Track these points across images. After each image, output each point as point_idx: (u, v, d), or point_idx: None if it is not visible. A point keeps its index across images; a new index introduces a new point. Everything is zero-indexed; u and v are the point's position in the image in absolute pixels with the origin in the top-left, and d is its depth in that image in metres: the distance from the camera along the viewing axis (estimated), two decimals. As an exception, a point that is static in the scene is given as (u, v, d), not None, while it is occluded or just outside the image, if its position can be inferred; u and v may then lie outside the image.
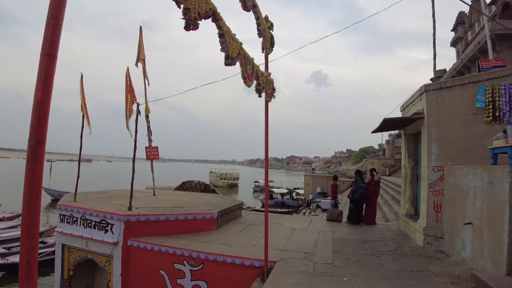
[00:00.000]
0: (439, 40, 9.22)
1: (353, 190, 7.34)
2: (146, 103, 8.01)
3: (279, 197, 38.53)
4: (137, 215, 6.40)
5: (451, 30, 34.31)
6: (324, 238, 6.71)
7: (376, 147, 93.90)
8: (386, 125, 6.28)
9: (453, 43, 33.12)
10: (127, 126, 7.38)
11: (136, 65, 7.46)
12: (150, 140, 8.26)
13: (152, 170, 8.51)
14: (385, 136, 69.54)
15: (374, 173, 7.83)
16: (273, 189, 41.13)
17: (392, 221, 9.10)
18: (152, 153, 8.17)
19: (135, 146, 7.17)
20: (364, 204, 7.47)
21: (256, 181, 58.85)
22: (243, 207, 33.17)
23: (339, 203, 11.80)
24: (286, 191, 41.90)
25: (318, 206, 29.17)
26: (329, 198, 12.10)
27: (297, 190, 42.47)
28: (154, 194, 8.77)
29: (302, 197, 38.09)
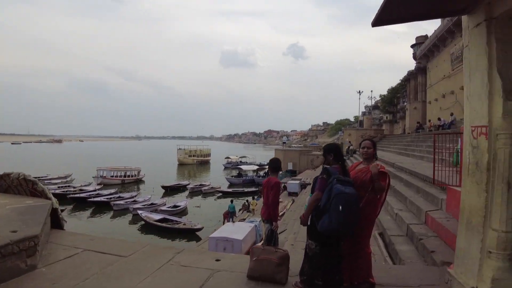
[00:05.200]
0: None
1: (315, 205, 3.03)
2: None
3: (250, 174, 35.08)
4: None
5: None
6: None
7: (352, 119, 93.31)
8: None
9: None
10: None
11: None
12: None
13: None
14: (361, 108, 67.62)
15: (375, 161, 3.42)
16: (242, 166, 37.50)
17: (408, 260, 4.83)
18: None
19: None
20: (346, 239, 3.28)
21: (227, 157, 55.35)
22: (206, 187, 28.54)
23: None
24: (256, 167, 38.35)
25: (284, 188, 25.69)
26: (299, 180, 8.33)
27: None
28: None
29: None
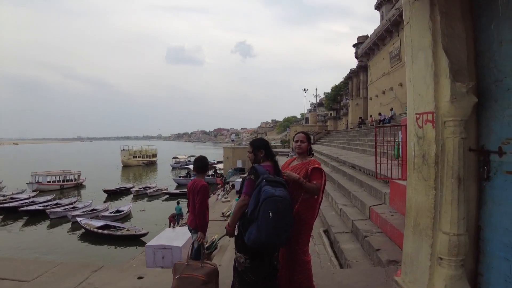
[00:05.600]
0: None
1: (241, 211, 2.52)
2: None
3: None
4: None
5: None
6: None
7: (299, 116, 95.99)
8: None
9: (378, 6, 31.16)
10: None
11: None
12: None
13: None
14: (307, 105, 69.79)
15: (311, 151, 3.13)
16: (190, 166, 36.41)
17: (354, 260, 4.58)
18: None
19: None
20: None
21: (175, 157, 53.52)
22: (152, 189, 27.16)
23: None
24: (205, 166, 37.40)
25: (232, 186, 25.05)
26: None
27: (217, 165, 38.10)
28: None
29: (222, 172, 33.79)
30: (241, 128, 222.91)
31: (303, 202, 2.78)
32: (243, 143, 75.25)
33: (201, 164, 3.69)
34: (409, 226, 2.25)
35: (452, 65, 1.89)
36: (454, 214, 1.89)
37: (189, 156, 56.96)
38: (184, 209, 21.01)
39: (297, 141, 2.93)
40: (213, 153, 70.51)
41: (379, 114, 21.84)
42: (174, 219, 16.84)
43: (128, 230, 17.61)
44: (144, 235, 16.73)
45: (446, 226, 1.92)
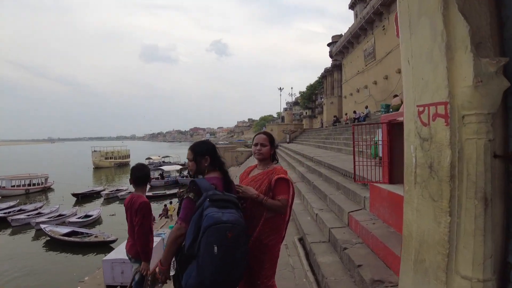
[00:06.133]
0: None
1: (177, 244, 1.84)
2: None
3: (174, 175, 33.15)
4: None
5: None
6: None
7: (275, 115, 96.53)
8: None
9: (352, 5, 31.21)
10: None
11: None
12: None
13: None
14: (283, 104, 70.14)
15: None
16: (163, 167, 35.26)
17: (332, 278, 3.76)
18: None
19: None
20: None
21: (148, 158, 51.96)
22: (123, 192, 26.14)
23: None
24: (180, 167, 36.34)
25: None
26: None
27: (192, 166, 37.11)
28: None
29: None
30: (218, 127, 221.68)
31: (267, 223, 2.12)
32: (220, 142, 74.32)
33: (140, 174, 2.85)
34: (408, 260, 1.63)
35: (473, 33, 1.29)
36: (478, 250, 1.29)
37: (163, 157, 55.45)
38: (158, 212, 20.16)
39: (256, 144, 2.26)
40: (189, 153, 69.14)
41: (354, 112, 21.70)
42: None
43: (96, 236, 16.62)
44: (113, 241, 15.73)
45: (467, 267, 1.31)
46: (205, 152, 1.98)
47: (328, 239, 5.26)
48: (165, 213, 20.09)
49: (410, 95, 1.59)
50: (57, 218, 19.98)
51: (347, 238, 4.71)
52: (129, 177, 2.85)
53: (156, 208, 20.48)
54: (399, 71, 19.24)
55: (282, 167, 2.27)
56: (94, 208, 23.08)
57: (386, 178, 4.76)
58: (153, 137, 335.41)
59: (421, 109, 1.48)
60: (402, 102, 9.42)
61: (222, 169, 2.00)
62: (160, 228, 16.12)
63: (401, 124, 4.44)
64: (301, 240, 5.89)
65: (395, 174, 4.70)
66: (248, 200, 2.11)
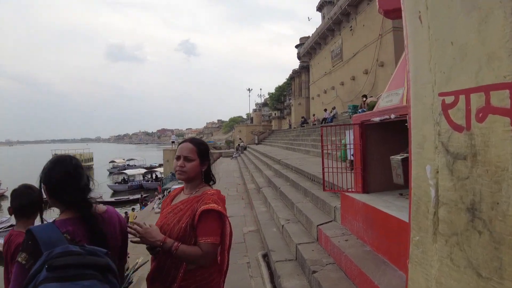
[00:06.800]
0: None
1: None
2: None
3: (138, 179, 31.48)
4: None
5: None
6: None
7: (245, 116, 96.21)
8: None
9: (319, 7, 31.25)
10: None
11: None
12: None
13: None
14: (252, 105, 70.10)
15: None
16: (127, 171, 33.43)
17: None
18: None
19: None
20: None
21: (112, 161, 49.39)
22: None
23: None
24: (144, 170, 34.60)
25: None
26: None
27: (158, 169, 35.45)
28: None
29: (163, 177, 31.31)
30: (186, 129, 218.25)
31: (191, 277, 1.38)
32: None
33: (25, 201, 1.90)
34: None
35: None
36: None
37: (127, 160, 52.97)
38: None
39: (178, 158, 1.52)
40: (156, 155, 66.70)
41: (325, 110, 21.39)
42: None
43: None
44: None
45: None
46: (52, 179, 1.22)
47: (295, 256, 4.60)
48: (126, 220, 18.80)
49: (422, 76, 0.91)
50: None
51: (317, 257, 4.07)
52: (9, 205, 1.96)
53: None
54: (366, 72, 19.17)
55: (218, 191, 1.52)
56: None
57: (359, 186, 4.17)
58: (119, 138, 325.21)
59: (450, 99, 0.80)
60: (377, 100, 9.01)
61: (84, 203, 1.23)
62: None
63: (377, 125, 3.85)
64: (265, 256, 5.19)
65: (369, 182, 4.12)
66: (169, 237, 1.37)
